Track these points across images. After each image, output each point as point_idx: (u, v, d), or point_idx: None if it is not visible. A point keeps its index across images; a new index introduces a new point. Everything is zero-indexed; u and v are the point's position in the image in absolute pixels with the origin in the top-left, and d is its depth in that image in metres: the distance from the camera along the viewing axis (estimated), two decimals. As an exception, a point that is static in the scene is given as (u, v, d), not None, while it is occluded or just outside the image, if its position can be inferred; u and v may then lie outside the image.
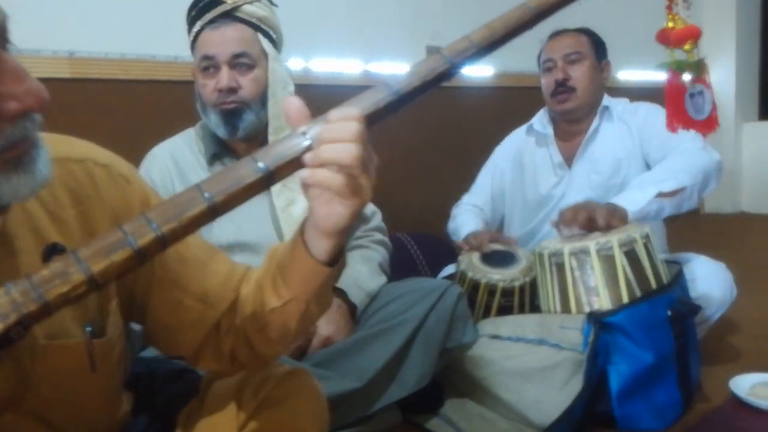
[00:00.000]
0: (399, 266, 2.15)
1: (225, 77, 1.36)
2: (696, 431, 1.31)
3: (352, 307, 1.41)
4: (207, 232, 1.39)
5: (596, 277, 1.36)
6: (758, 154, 4.42)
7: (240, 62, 1.36)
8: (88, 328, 0.67)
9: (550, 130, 1.91)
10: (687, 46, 1.52)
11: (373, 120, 0.62)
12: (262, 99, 1.39)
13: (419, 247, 2.37)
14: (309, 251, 0.67)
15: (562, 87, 1.81)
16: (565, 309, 1.40)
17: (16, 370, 0.64)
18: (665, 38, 1.51)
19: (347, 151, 0.59)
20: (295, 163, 0.61)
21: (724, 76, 4.34)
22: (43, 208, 0.68)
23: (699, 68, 1.53)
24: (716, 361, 1.64)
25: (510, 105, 2.60)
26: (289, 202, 1.43)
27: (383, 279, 1.53)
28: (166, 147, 1.46)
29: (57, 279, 0.52)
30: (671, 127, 1.57)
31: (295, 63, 2.04)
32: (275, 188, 1.40)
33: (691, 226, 3.66)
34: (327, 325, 1.35)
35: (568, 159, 1.87)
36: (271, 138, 1.40)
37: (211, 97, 1.38)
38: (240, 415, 0.78)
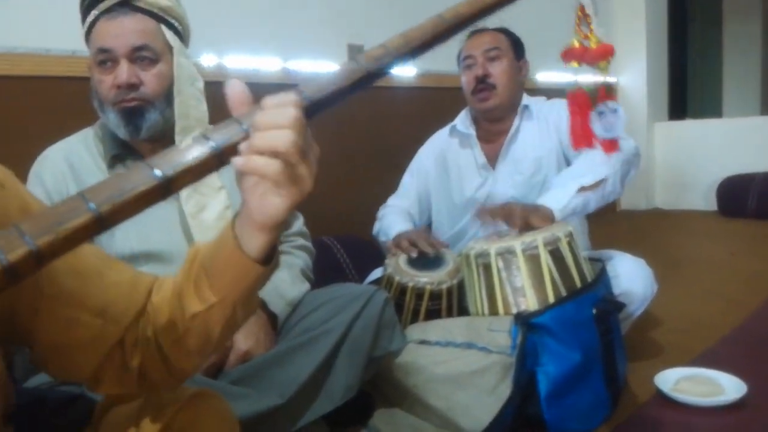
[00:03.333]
0: (325, 271, 2.08)
1: (124, 72, 1.24)
2: (623, 430, 1.30)
3: (272, 318, 1.33)
4: (108, 240, 1.27)
5: (522, 277, 1.33)
6: (669, 152, 4.65)
7: (141, 56, 1.25)
8: None
9: (472, 131, 1.89)
10: (602, 64, 1.55)
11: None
12: (167, 96, 1.29)
13: (346, 251, 2.30)
14: (241, 248, 0.62)
15: (483, 84, 1.79)
16: (493, 311, 1.37)
17: None
18: (573, 57, 1.52)
19: (282, 137, 0.55)
20: (202, 167, 0.55)
21: (636, 79, 4.54)
22: None
23: (608, 90, 1.58)
24: (641, 357, 1.67)
25: (433, 106, 2.58)
26: (200, 207, 1.32)
27: (306, 286, 1.45)
28: (60, 148, 1.32)
29: None
30: (576, 145, 1.60)
31: (207, 59, 1.93)
32: (183, 193, 1.30)
33: (609, 223, 3.79)
34: (245, 339, 1.26)
35: (492, 160, 1.86)
36: (177, 138, 1.30)
37: (109, 94, 1.25)
38: None
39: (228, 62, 2.02)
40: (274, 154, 0.55)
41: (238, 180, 0.60)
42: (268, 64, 2.11)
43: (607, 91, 1.59)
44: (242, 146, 0.56)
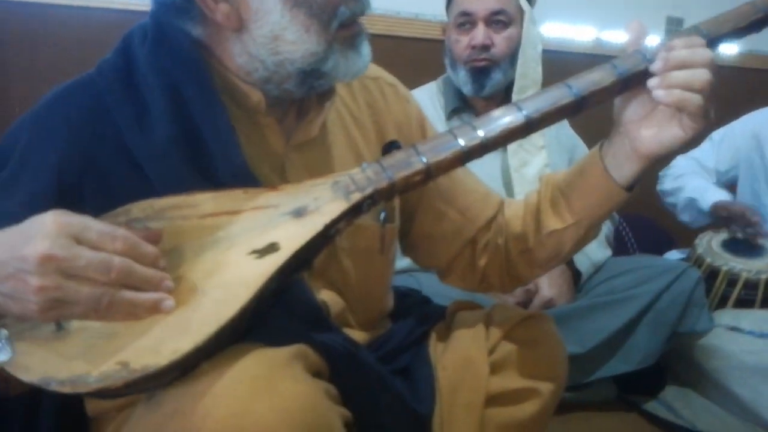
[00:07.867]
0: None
1: (480, 34, 1.37)
2: None
3: (576, 275, 1.40)
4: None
5: None
6: None
7: (496, 19, 1.37)
8: (383, 213, 0.74)
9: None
10: None
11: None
12: (512, 58, 1.39)
13: (631, 229, 2.26)
14: (610, 174, 0.68)
15: None
16: (825, 311, 1.25)
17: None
18: None
19: (701, 75, 0.59)
20: (607, 91, 0.63)
21: None
22: (349, 114, 0.77)
23: None
24: None
25: (753, 87, 2.34)
26: (523, 162, 1.43)
27: (608, 252, 1.48)
28: (410, 98, 1.52)
29: (401, 165, 0.61)
30: None
31: (528, 27, 2.02)
32: (511, 147, 1.40)
33: None
34: (549, 287, 1.34)
35: None
36: (514, 97, 1.40)
37: (463, 53, 1.40)
38: (491, 338, 0.79)
39: (545, 30, 2.09)
40: (690, 89, 0.59)
41: (619, 111, 0.65)
42: (582, 34, 2.12)
43: None
44: (652, 83, 0.61)
